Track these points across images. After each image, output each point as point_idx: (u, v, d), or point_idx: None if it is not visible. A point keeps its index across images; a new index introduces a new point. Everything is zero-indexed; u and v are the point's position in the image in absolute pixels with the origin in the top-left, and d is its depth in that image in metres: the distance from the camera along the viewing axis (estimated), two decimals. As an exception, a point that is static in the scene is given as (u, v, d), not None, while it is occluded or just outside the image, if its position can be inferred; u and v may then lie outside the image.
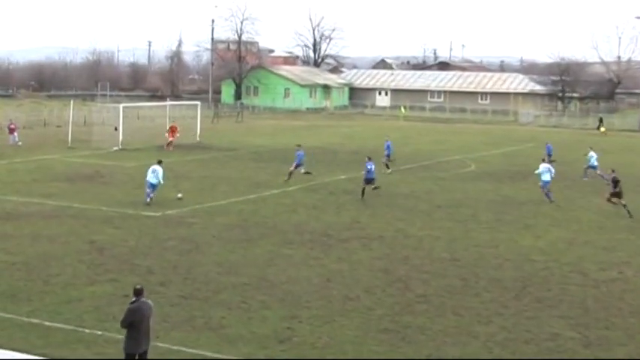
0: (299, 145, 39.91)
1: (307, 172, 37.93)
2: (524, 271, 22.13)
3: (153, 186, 30.70)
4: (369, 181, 33.54)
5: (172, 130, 50.50)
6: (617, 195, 30.81)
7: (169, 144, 49.96)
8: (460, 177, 41.45)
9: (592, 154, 41.06)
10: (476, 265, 22.66)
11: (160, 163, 31.53)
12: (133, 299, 13.53)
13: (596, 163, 40.49)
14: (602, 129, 75.46)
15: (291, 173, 36.64)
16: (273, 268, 21.67)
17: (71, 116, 54.90)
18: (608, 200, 31.23)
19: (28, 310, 17.52)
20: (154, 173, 30.70)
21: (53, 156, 46.02)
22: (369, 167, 33.61)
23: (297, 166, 37.41)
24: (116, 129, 50.64)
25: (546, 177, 33.51)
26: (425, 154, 51.76)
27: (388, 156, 42.91)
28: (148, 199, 30.50)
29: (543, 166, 33.95)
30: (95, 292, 19.07)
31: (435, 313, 18.07)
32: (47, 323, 16.66)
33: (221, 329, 16.64)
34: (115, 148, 49.72)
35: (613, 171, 32.48)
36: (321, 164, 44.82)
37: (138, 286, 13.70)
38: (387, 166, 41.98)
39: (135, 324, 13.35)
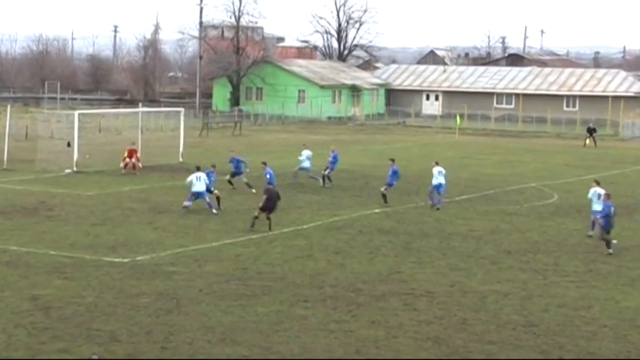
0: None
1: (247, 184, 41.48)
2: (629, 342, 21.93)
3: (199, 195, 37.10)
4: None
5: (130, 156, 50.29)
6: None
7: (127, 165, 49.83)
8: (537, 212, 41.31)
9: None
10: (560, 332, 22.47)
11: (198, 169, 38.08)
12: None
13: None
14: (588, 141, 79.13)
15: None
16: (282, 335, 21.60)
17: (7, 127, 55.31)
18: None
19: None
20: (199, 180, 37.14)
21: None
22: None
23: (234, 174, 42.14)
24: (69, 145, 51.04)
25: None
26: (489, 181, 51.67)
27: (331, 169, 47.81)
28: (189, 203, 37.27)
29: None
30: (39, 366, 19.10)
31: (505, 399, 17.94)
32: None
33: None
34: (68, 171, 50.04)
35: None
36: (348, 194, 44.80)
37: (94, 357, 13.71)
38: (325, 179, 47.12)
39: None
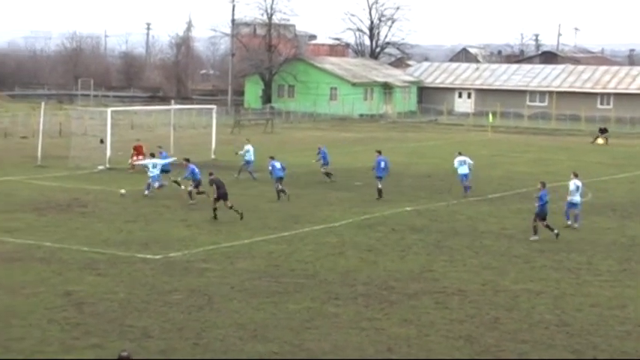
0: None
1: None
2: (662, 341, 21.81)
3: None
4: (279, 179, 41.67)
5: (138, 153, 50.18)
6: None
7: (133, 166, 49.77)
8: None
9: None
10: (593, 332, 22.39)
11: (152, 155, 39.64)
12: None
13: None
14: (600, 140, 79.32)
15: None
16: (313, 332, 21.64)
17: (42, 124, 55.64)
18: None
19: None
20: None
21: (16, 177, 46.69)
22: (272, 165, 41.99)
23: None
24: (102, 141, 51.31)
25: None
26: (521, 179, 51.44)
27: (326, 164, 48.71)
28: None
29: None
30: (72, 361, 19.24)
31: (537, 398, 17.89)
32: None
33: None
34: (101, 168, 50.32)
35: None
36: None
37: (124, 353, 13.67)
38: (328, 175, 48.18)
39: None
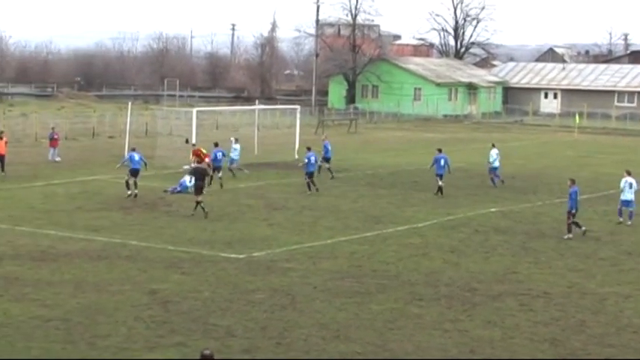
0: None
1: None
2: None
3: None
4: (310, 174, 42.79)
5: (197, 156, 49.84)
6: None
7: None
8: (660, 212, 40.43)
9: None
10: (683, 336, 22.01)
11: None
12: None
13: None
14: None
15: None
16: (396, 333, 21.59)
17: (128, 124, 56.32)
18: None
19: (68, 380, 17.97)
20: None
21: (103, 176, 47.36)
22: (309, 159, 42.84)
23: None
24: (188, 141, 51.74)
25: None
26: (608, 181, 50.68)
27: (327, 159, 48.84)
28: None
29: None
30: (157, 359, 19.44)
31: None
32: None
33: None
34: (186, 167, 50.69)
35: None
36: (463, 192, 44.52)
37: (206, 352, 13.71)
38: (330, 171, 48.34)
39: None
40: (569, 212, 33.78)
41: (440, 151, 44.14)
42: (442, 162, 43.03)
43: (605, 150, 70.36)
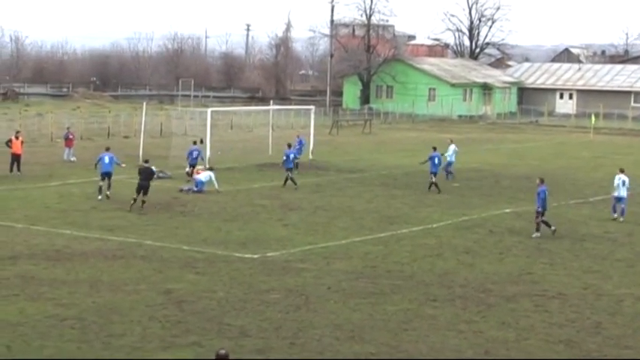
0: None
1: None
2: None
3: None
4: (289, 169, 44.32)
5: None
6: None
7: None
8: (676, 213, 40.32)
9: None
10: (698, 338, 21.94)
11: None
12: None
13: None
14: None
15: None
16: (411, 334, 21.59)
17: (143, 124, 56.46)
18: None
19: (83, 380, 18.03)
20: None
21: (118, 176, 47.37)
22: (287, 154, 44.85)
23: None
24: (202, 141, 51.84)
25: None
26: (625, 181, 50.56)
27: (295, 156, 48.58)
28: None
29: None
30: (172, 359, 19.48)
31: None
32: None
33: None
34: (200, 167, 50.79)
35: None
36: (477, 193, 44.48)
37: (222, 351, 13.74)
38: (296, 167, 48.42)
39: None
40: (538, 211, 34.10)
41: (435, 149, 45.54)
42: (436, 160, 44.56)
43: (621, 151, 70.15)
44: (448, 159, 49.16)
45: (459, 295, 25.25)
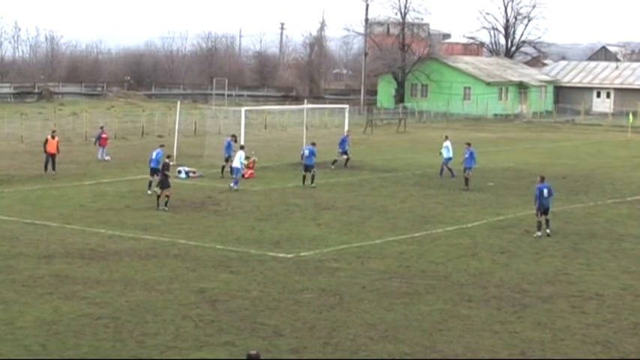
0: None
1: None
2: None
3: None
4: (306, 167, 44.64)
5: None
6: None
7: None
8: None
9: None
10: None
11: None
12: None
13: None
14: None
15: None
16: (445, 334, 21.54)
17: (177, 123, 56.70)
18: None
19: (117, 378, 18.13)
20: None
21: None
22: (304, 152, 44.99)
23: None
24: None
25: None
26: (663, 181, 50.22)
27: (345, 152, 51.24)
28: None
29: None
30: (205, 359, 19.52)
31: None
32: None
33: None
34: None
35: None
36: (513, 192, 44.29)
37: (252, 352, 13.70)
38: (333, 162, 51.18)
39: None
40: (537, 210, 33.96)
41: (469, 144, 46.21)
42: (468, 155, 45.33)
43: (659, 150, 69.58)
44: (445, 155, 49.08)
45: (494, 295, 25.16)
